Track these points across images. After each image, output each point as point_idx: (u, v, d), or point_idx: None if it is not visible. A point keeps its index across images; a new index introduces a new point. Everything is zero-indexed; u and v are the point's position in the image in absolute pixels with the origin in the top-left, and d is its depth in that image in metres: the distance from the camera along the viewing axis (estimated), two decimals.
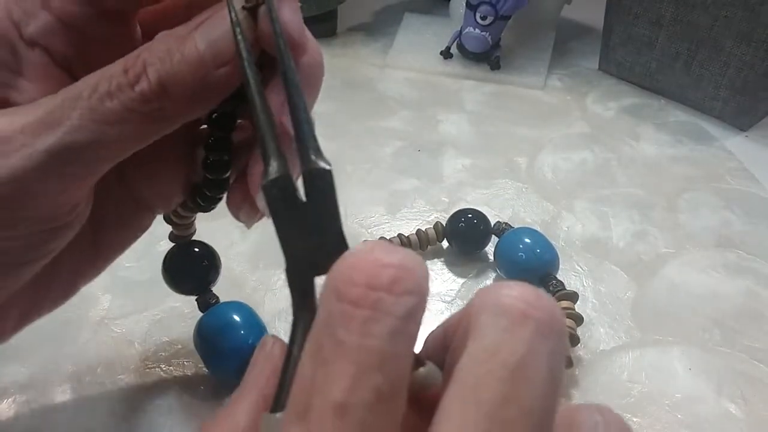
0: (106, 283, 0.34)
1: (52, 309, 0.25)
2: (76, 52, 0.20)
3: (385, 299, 0.13)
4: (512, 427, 0.13)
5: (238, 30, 0.18)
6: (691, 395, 0.31)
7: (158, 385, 0.30)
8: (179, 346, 0.32)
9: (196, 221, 0.29)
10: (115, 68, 0.18)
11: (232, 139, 0.23)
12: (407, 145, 0.45)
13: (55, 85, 0.19)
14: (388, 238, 0.36)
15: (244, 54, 0.18)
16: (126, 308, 0.33)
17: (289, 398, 0.14)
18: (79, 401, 0.30)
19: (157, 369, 0.31)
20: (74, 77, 0.20)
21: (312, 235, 0.16)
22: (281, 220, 0.16)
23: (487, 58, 0.52)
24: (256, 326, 0.29)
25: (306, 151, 0.16)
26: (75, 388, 0.30)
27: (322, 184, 0.16)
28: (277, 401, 0.15)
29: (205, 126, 0.23)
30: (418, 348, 0.15)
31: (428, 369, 0.15)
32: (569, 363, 0.30)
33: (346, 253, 0.14)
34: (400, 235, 0.36)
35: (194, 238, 0.29)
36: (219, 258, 0.30)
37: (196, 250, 0.30)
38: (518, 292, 0.14)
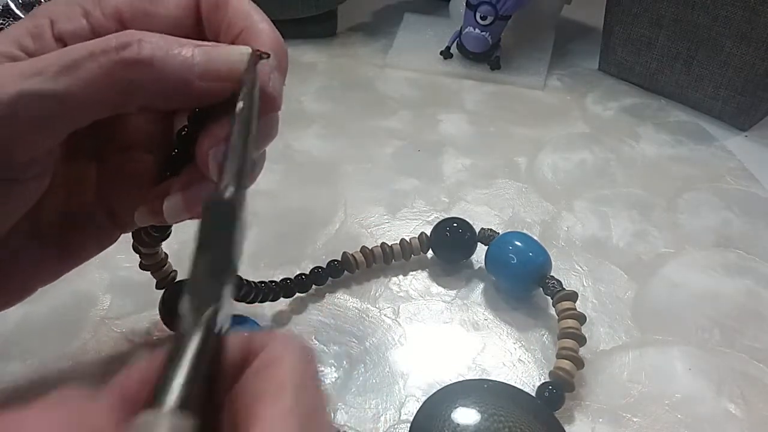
0: (106, 283, 0.34)
1: (3, 309, 0.26)
2: None
3: None
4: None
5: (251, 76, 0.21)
6: (691, 395, 0.31)
7: None
8: None
9: (169, 259, 0.30)
10: (109, 36, 0.21)
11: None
12: (407, 145, 0.45)
13: None
14: (370, 247, 0.36)
15: (252, 87, 0.21)
16: (126, 308, 0.33)
17: None
18: None
19: None
20: None
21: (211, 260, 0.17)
22: (206, 237, 0.16)
23: (487, 58, 0.52)
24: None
25: (221, 182, 0.17)
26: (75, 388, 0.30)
27: (223, 215, 0.17)
28: (157, 398, 0.15)
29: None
30: None
31: None
32: (580, 364, 0.30)
33: None
34: (383, 245, 0.35)
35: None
36: None
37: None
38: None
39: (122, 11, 0.23)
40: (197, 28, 0.24)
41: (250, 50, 0.22)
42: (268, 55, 0.22)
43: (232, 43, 0.23)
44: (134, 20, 0.23)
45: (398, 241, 0.36)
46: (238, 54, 0.22)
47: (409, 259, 0.36)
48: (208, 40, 0.24)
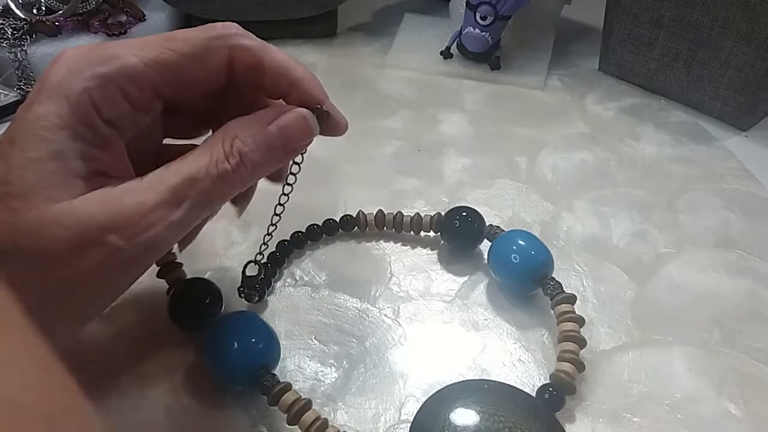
0: None
1: None
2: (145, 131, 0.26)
3: None
4: None
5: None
6: (691, 395, 0.31)
7: (159, 386, 0.30)
8: (178, 346, 0.32)
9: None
10: (216, 154, 0.24)
11: None
12: (407, 145, 0.45)
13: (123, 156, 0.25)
14: (386, 211, 0.38)
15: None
16: (126, 308, 0.33)
17: None
18: None
19: (158, 369, 0.31)
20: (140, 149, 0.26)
21: None
22: None
23: (487, 58, 0.52)
24: (262, 330, 0.29)
25: None
26: None
27: None
28: None
29: None
30: None
31: None
32: (581, 367, 0.30)
33: None
34: (398, 213, 0.37)
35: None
36: (221, 293, 0.32)
37: (198, 290, 0.32)
38: None
39: (156, 84, 0.25)
40: (228, 84, 0.26)
41: (312, 114, 0.27)
42: (322, 106, 0.27)
43: (283, 97, 0.27)
44: (170, 91, 0.25)
45: (412, 214, 0.38)
46: (311, 121, 0.27)
47: (419, 233, 0.37)
48: (242, 94, 0.27)
